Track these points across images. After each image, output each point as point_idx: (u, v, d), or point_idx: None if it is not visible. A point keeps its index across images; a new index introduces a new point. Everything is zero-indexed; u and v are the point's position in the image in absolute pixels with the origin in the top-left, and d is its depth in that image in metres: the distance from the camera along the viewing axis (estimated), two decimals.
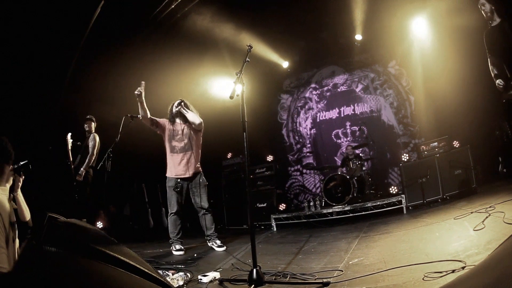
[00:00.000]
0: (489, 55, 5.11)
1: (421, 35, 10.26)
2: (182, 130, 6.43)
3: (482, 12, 5.14)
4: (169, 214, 6.31)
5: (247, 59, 4.39)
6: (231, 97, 4.03)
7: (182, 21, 9.11)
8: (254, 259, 3.67)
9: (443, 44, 9.79)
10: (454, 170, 7.95)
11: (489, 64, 5.10)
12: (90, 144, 7.67)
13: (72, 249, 1.48)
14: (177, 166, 6.28)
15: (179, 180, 6.24)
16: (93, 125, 8.02)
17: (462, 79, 9.03)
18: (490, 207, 5.15)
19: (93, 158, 7.64)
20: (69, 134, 7.24)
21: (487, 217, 4.64)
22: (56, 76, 8.46)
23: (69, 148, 7.23)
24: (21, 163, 3.61)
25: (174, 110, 6.47)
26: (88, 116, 8.03)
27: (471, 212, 5.37)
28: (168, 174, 6.36)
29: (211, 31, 9.42)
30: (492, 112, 8.90)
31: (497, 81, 4.88)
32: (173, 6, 8.66)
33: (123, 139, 6.70)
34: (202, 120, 6.42)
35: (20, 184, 3.57)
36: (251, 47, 4.53)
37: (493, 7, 5.02)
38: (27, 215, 3.64)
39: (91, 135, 7.83)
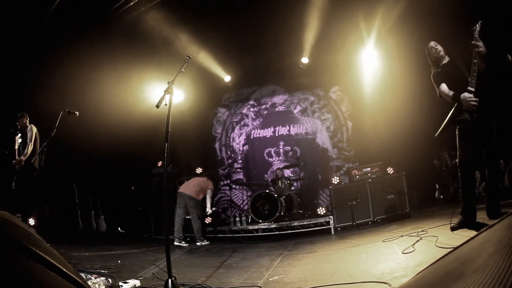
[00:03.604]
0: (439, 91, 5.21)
1: (368, 65, 10.47)
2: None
3: (432, 54, 5.28)
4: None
5: (182, 69, 4.32)
6: (157, 106, 3.97)
7: (136, 21, 8.85)
8: (169, 269, 3.56)
9: (389, 74, 10.03)
10: (387, 194, 8.05)
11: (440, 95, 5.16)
12: (28, 135, 7.56)
13: (1, 242, 1.46)
14: None
15: None
16: (26, 120, 7.80)
17: (404, 111, 9.30)
18: (422, 231, 5.15)
19: (31, 147, 7.45)
20: (19, 135, 7.41)
21: (418, 241, 4.60)
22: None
23: (16, 147, 7.34)
24: None
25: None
26: (18, 114, 7.74)
27: (402, 236, 5.34)
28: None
29: (161, 36, 9.21)
30: (430, 142, 9.19)
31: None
32: (131, 4, 8.47)
33: (59, 135, 6.54)
34: None
35: None
36: (190, 58, 4.45)
37: (442, 49, 5.23)
38: None
39: (28, 126, 7.67)
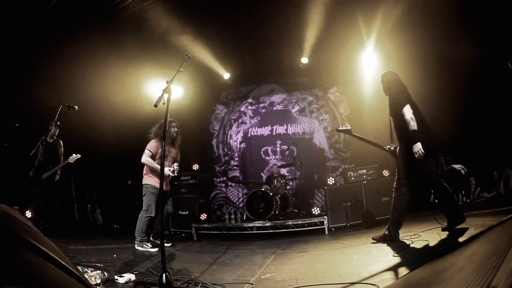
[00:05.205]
0: None
1: (368, 67, 10.42)
2: (170, 152, 6.92)
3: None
4: (145, 216, 6.58)
5: (181, 69, 4.31)
6: (156, 106, 3.99)
7: (138, 16, 8.81)
8: (164, 264, 3.62)
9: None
10: (382, 197, 8.06)
11: None
12: (60, 151, 8.09)
13: (1, 235, 1.50)
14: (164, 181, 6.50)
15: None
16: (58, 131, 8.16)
17: None
18: (414, 234, 5.21)
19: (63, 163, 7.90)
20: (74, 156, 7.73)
21: (410, 244, 4.67)
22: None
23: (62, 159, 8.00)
24: None
25: (173, 131, 6.87)
26: (59, 123, 7.91)
27: None
28: (154, 184, 6.66)
29: (163, 32, 9.20)
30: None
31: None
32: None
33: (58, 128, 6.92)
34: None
35: None
36: (189, 57, 4.47)
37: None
38: None
39: (59, 141, 8.10)
